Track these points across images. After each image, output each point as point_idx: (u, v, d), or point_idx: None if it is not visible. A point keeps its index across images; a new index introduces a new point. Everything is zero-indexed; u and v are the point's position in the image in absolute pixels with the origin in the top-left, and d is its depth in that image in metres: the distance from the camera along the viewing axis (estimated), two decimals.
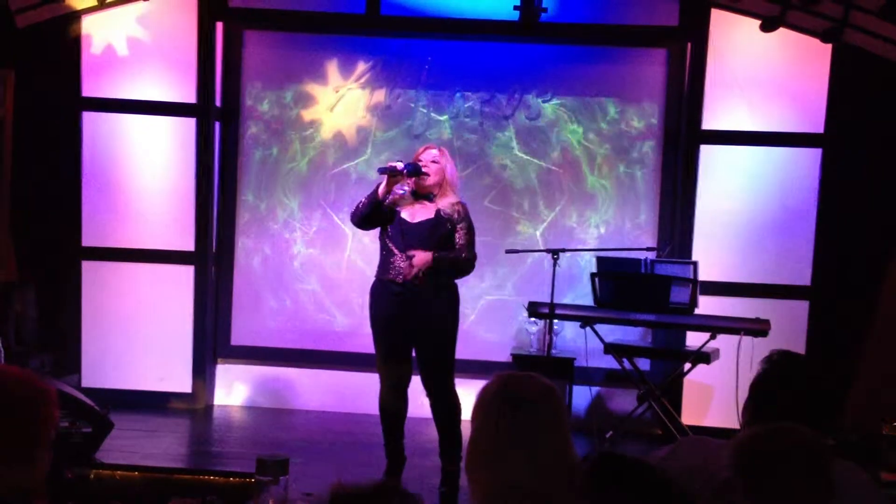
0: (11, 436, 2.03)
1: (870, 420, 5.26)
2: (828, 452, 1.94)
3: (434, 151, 4.66)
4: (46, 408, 2.09)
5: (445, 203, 4.61)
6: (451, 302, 4.61)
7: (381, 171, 4.59)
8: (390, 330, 4.59)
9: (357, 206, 4.65)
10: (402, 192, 4.58)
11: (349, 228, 6.42)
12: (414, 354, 4.67)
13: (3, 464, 2.02)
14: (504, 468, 1.95)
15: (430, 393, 4.63)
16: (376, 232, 4.75)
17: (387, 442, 4.72)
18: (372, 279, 4.70)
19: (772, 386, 2.32)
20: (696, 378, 5.92)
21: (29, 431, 2.05)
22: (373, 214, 4.61)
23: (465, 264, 4.61)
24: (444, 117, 6.44)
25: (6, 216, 6.20)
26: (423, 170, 4.59)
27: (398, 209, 4.62)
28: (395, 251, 4.56)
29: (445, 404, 4.61)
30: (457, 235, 4.59)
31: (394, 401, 4.65)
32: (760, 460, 1.91)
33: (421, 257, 4.49)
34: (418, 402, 4.80)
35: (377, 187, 4.57)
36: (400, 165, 4.56)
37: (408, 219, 4.60)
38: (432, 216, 4.59)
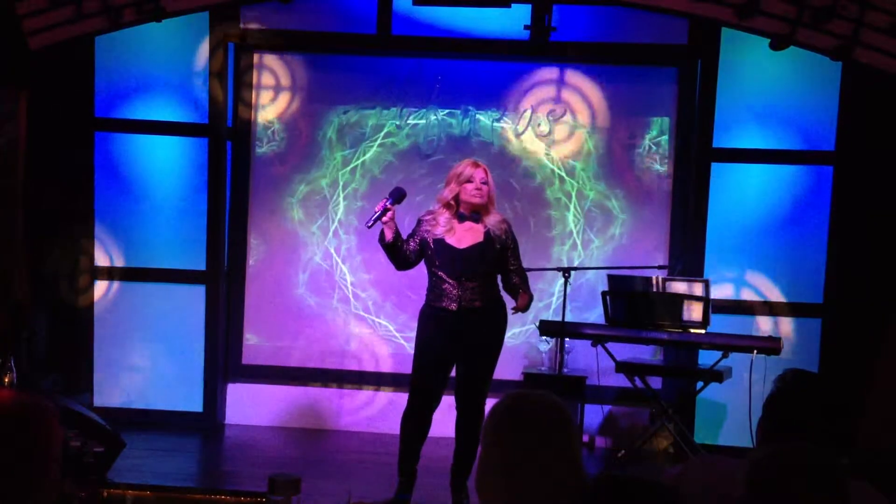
0: (16, 460, 2.00)
1: (885, 439, 5.22)
2: (843, 472, 1.93)
3: (482, 172, 4.60)
4: (45, 425, 2.05)
5: (492, 222, 4.62)
6: (502, 322, 4.66)
7: (369, 225, 4.53)
8: (436, 354, 4.60)
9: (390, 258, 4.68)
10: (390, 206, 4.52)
11: (357, 248, 6.44)
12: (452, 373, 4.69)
13: (14, 488, 1.99)
14: (513, 486, 1.95)
15: (463, 408, 4.64)
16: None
17: (402, 460, 4.68)
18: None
19: (786, 405, 2.31)
20: (708, 396, 5.88)
21: (32, 452, 2.02)
22: (400, 256, 4.62)
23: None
24: (455, 136, 6.45)
25: (21, 236, 6.22)
26: (475, 192, 4.55)
27: (443, 236, 4.58)
28: (447, 279, 4.55)
29: (475, 420, 4.60)
30: (510, 258, 4.65)
31: (420, 421, 4.64)
32: (775, 480, 1.90)
33: (524, 302, 4.63)
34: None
35: (381, 235, 4.55)
36: (382, 207, 4.49)
37: (456, 245, 4.57)
38: (481, 239, 4.58)
